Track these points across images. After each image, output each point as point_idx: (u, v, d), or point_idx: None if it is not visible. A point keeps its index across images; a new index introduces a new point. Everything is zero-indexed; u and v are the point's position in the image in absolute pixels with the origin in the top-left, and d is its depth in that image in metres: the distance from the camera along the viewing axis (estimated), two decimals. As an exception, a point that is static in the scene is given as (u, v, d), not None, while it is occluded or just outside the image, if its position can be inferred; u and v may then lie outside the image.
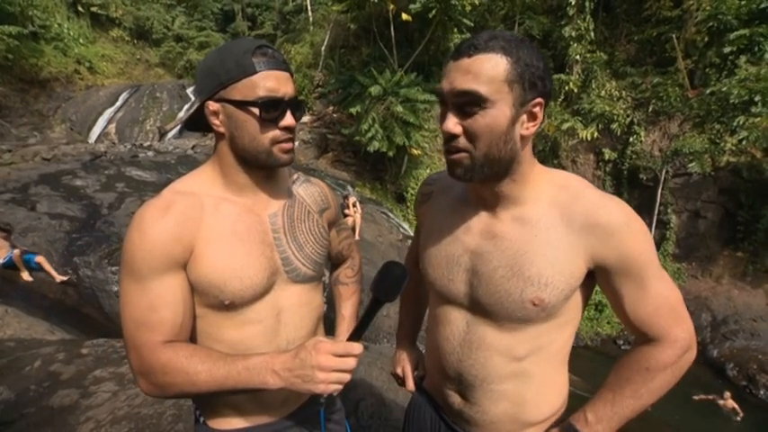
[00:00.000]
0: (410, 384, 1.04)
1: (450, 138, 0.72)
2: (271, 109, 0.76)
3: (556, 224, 0.75)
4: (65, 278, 4.84)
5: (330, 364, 0.69)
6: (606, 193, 0.77)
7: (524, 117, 0.71)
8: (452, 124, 0.70)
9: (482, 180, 0.75)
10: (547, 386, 0.85)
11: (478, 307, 0.81)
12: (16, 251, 4.71)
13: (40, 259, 4.76)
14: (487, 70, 0.67)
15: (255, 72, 0.74)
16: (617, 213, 0.73)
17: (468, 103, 0.69)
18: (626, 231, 0.72)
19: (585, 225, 0.73)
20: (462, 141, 0.71)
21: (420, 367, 1.08)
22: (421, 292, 1.12)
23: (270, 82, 0.75)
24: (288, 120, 0.78)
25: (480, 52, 0.68)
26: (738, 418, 6.87)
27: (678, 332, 0.75)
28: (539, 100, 0.70)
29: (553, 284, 0.74)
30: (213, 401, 0.87)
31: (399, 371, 1.08)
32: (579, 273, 0.75)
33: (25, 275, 4.74)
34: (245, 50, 0.75)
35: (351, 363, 0.71)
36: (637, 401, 0.77)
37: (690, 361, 0.78)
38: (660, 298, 0.75)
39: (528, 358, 0.81)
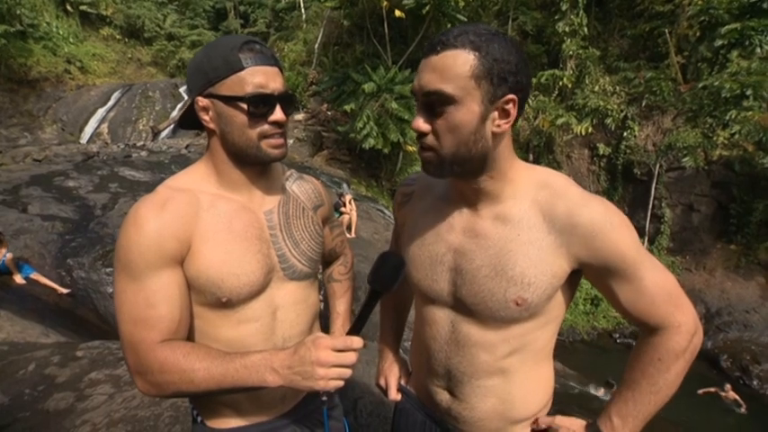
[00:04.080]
0: (393, 394, 1.03)
1: (421, 135, 0.72)
2: (260, 104, 0.75)
3: (538, 223, 0.74)
4: (66, 291, 4.79)
5: (330, 360, 0.68)
6: (588, 192, 0.76)
7: (495, 114, 0.69)
8: (421, 122, 0.71)
9: (457, 176, 0.75)
10: (532, 382, 0.85)
11: (462, 306, 0.81)
12: (9, 255, 4.67)
13: (35, 276, 4.72)
14: (453, 67, 0.65)
15: (243, 68, 0.74)
16: (598, 212, 0.72)
17: (436, 103, 0.68)
18: (608, 230, 0.71)
19: (567, 225, 0.72)
20: (430, 139, 0.71)
21: (403, 376, 1.07)
22: (402, 297, 1.11)
23: (258, 78, 0.74)
24: (277, 114, 0.77)
25: (448, 48, 0.66)
26: (743, 410, 6.93)
27: (680, 317, 0.74)
28: (510, 96, 0.68)
29: (536, 284, 0.73)
30: (211, 400, 0.86)
31: (383, 382, 1.07)
32: (562, 273, 0.74)
33: (18, 278, 4.69)
34: (231, 47, 0.74)
35: (351, 357, 0.70)
36: (656, 395, 0.76)
37: (698, 345, 0.76)
38: (656, 288, 0.73)
39: (513, 356, 0.81)
